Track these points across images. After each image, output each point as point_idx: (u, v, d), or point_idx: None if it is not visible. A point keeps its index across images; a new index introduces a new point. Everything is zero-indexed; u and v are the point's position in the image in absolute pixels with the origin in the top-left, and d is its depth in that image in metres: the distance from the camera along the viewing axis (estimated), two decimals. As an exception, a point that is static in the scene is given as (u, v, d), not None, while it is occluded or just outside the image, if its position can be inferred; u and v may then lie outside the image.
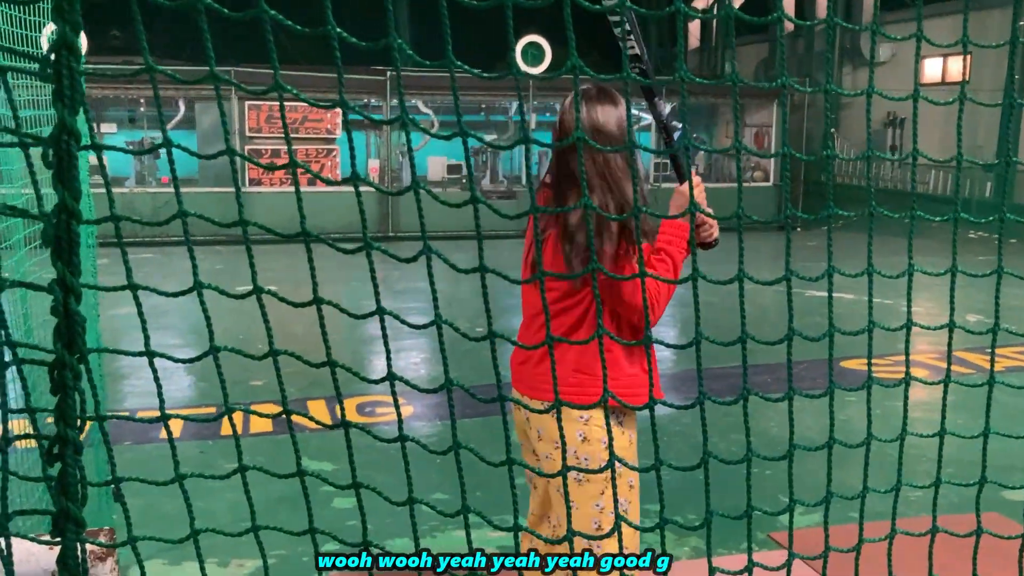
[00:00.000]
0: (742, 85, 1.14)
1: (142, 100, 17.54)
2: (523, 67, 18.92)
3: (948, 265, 1.61)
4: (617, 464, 2.77)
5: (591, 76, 1.07)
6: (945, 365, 8.51)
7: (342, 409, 1.25)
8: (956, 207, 1.44)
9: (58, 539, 1.15)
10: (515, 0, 1.22)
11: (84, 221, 0.99)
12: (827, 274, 1.36)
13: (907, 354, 1.65)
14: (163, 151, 1.24)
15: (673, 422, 6.19)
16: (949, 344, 1.60)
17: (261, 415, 1.42)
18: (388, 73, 16.86)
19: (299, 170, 1.22)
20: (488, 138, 20.81)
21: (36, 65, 0.96)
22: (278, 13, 1.19)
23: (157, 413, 1.47)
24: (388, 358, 1.26)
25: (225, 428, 6.23)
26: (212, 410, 6.70)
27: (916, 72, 1.43)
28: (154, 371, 1.28)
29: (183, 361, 1.31)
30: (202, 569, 1.36)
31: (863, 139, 23.30)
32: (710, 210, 2.91)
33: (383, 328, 1.21)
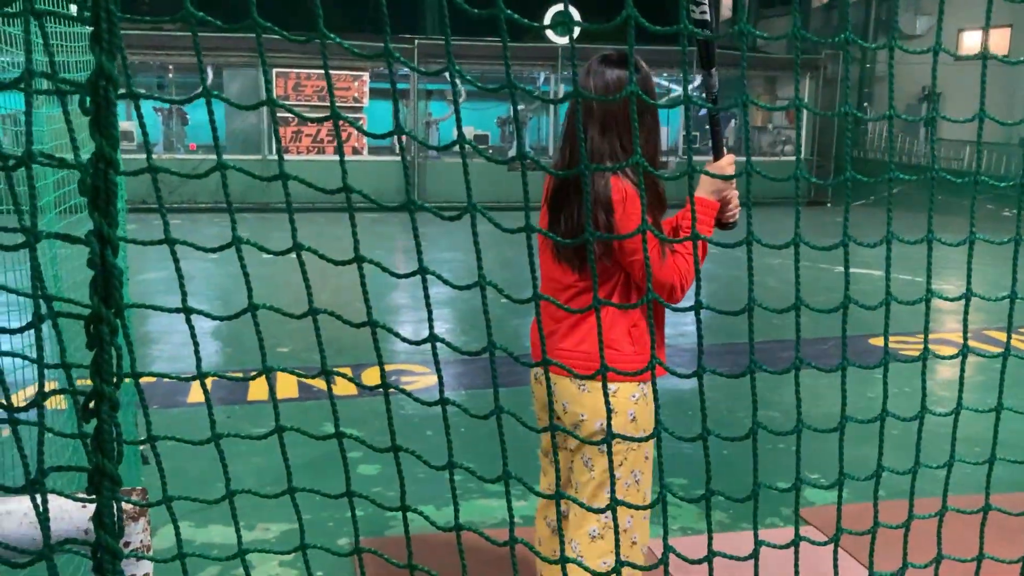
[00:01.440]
0: (804, 41, 1.08)
1: (170, 66, 17.54)
2: (553, 37, 18.63)
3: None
4: (639, 435, 2.77)
5: (647, 27, 1.02)
6: (975, 343, 8.41)
7: (382, 370, 1.22)
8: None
9: (93, 497, 1.14)
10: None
11: (121, 172, 0.96)
12: (886, 241, 1.31)
13: (965, 324, 1.59)
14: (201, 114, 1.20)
15: (694, 396, 6.15)
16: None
17: (301, 375, 1.39)
18: (416, 41, 16.74)
19: (334, 131, 1.18)
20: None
21: (74, 7, 0.93)
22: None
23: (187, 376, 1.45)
24: (430, 319, 1.22)
25: (252, 394, 6.26)
26: (239, 375, 6.74)
27: (988, 11, 1.35)
28: (191, 327, 1.26)
29: (220, 318, 1.28)
30: (237, 530, 1.34)
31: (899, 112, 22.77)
32: (736, 192, 2.87)
33: (425, 289, 1.17)
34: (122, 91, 0.97)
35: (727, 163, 2.78)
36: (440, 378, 1.25)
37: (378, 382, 1.22)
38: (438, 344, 1.23)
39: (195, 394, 6.38)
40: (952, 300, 1.45)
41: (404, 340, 1.20)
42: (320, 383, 6.29)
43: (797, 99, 1.11)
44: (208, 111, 1.03)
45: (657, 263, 2.68)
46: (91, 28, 0.88)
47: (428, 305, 1.19)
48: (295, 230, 1.14)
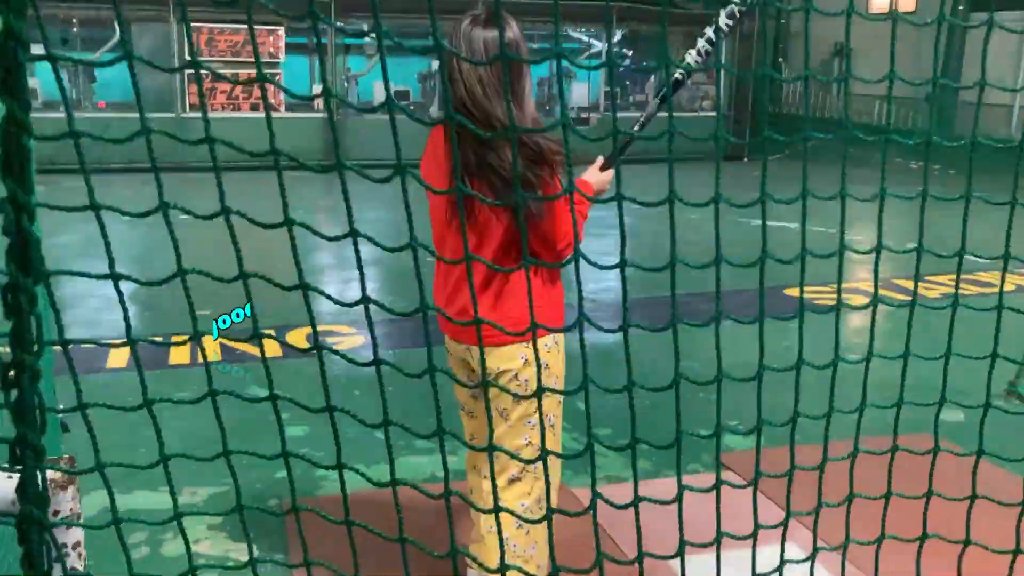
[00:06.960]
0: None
1: (74, 20, 16.77)
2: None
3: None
4: (551, 383, 2.86)
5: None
6: (885, 291, 8.75)
7: (315, 333, 1.23)
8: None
9: (17, 467, 1.12)
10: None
11: (38, 137, 0.93)
12: (801, 196, 1.36)
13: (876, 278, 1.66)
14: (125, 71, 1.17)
15: (619, 348, 6.27)
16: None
17: (232, 340, 1.38)
18: (333, -7, 16.32)
19: (259, 90, 1.16)
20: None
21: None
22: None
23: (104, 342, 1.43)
24: (363, 282, 1.23)
25: (173, 358, 6.14)
26: (173, 339, 6.59)
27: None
28: (119, 292, 1.24)
29: (149, 284, 1.26)
30: (172, 495, 1.34)
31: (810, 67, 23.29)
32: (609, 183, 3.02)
33: (356, 252, 1.18)
34: (36, 52, 0.94)
35: (607, 178, 2.98)
36: (375, 341, 1.26)
37: (305, 344, 1.23)
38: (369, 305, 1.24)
39: (114, 359, 6.23)
40: (863, 253, 1.52)
41: (338, 303, 1.20)
42: (245, 346, 6.21)
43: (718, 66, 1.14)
44: (131, 74, 1.00)
45: (560, 215, 2.75)
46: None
47: (360, 267, 1.20)
48: (223, 194, 1.13)
